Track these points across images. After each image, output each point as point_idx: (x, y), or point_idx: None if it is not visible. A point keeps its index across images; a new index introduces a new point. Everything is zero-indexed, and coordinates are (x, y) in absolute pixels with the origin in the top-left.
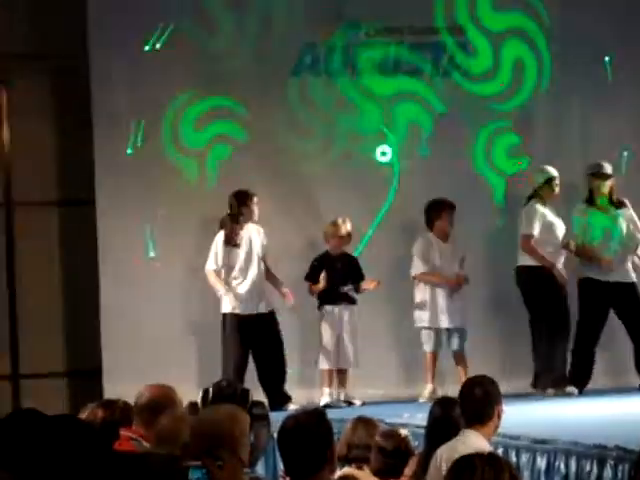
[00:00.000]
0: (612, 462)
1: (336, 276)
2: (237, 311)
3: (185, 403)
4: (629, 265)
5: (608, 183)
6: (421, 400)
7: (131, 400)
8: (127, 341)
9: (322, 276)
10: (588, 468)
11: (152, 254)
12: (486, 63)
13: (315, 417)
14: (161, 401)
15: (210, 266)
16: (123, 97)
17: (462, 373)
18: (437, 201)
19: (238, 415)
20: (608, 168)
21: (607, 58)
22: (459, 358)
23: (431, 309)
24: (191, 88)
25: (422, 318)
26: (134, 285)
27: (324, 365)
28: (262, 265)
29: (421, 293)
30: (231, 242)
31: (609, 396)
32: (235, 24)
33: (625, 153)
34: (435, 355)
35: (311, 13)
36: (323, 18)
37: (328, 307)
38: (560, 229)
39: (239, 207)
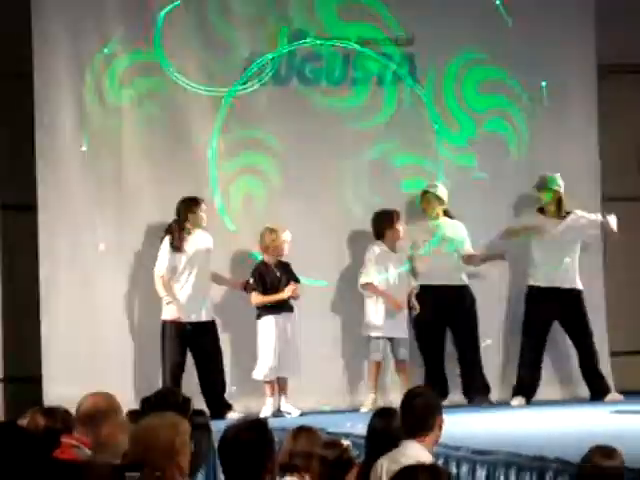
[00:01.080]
0: (552, 474)
1: (275, 284)
2: (177, 318)
3: (125, 410)
4: (575, 273)
5: (553, 195)
6: (363, 410)
7: (70, 407)
8: (67, 347)
9: (288, 287)
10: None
11: (94, 259)
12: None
13: (256, 427)
14: (102, 409)
15: (158, 271)
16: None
17: (403, 382)
18: (387, 211)
19: (179, 424)
20: (553, 180)
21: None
22: (402, 368)
23: (379, 318)
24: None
25: (371, 327)
26: (74, 290)
27: (259, 376)
28: (208, 273)
29: (371, 302)
30: (176, 248)
31: (556, 407)
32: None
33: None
34: (380, 365)
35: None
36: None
37: (268, 317)
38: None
39: (186, 213)
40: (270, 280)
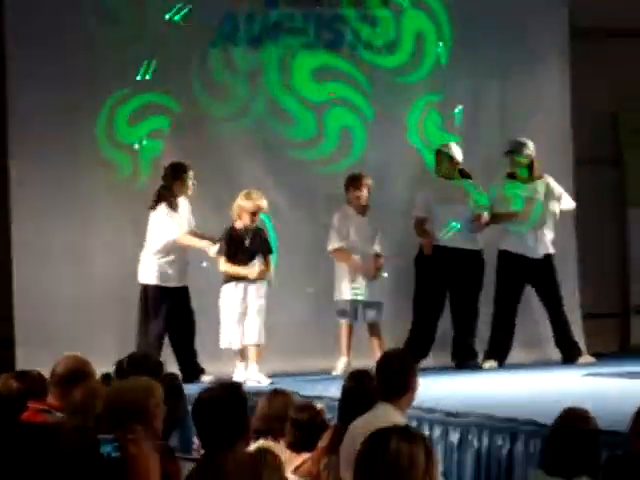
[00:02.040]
0: (524, 436)
1: (241, 254)
2: (160, 283)
3: (99, 375)
4: (547, 237)
5: (524, 160)
6: (335, 373)
7: (45, 371)
8: (40, 311)
9: (254, 269)
10: (500, 442)
11: (70, 224)
12: (389, 35)
13: (230, 390)
14: (75, 373)
15: (180, 232)
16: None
17: (376, 346)
18: (354, 175)
19: (152, 387)
20: (525, 145)
21: None
22: (374, 330)
23: (348, 282)
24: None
25: (340, 290)
26: (49, 255)
27: (224, 344)
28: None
29: (340, 266)
30: (172, 208)
31: (528, 370)
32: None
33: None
34: (351, 328)
35: None
36: None
37: (230, 284)
38: None
39: (173, 179)
40: (236, 249)
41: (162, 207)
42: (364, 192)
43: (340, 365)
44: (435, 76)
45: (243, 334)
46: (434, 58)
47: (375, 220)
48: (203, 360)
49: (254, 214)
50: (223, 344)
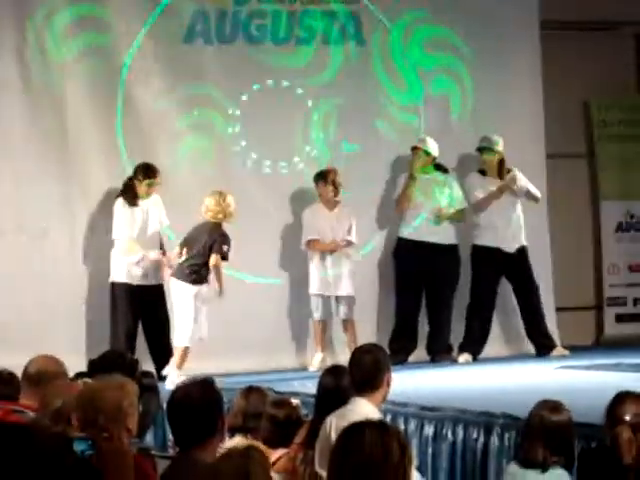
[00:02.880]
0: (499, 429)
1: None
2: (127, 280)
3: (72, 374)
4: (520, 229)
5: (495, 156)
6: (311, 369)
7: (17, 370)
8: (12, 310)
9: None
10: (475, 435)
11: (43, 224)
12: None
13: (204, 387)
14: (47, 372)
15: (121, 236)
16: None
17: (351, 341)
18: (323, 170)
19: (125, 385)
20: (496, 141)
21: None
22: (348, 326)
23: (320, 277)
24: None
25: (312, 286)
26: (20, 252)
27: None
28: (159, 237)
29: (311, 261)
30: (130, 203)
31: (503, 363)
32: None
33: None
34: (324, 323)
35: None
36: None
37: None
38: None
39: (139, 179)
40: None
41: (119, 201)
42: (333, 187)
43: (315, 361)
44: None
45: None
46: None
47: (347, 214)
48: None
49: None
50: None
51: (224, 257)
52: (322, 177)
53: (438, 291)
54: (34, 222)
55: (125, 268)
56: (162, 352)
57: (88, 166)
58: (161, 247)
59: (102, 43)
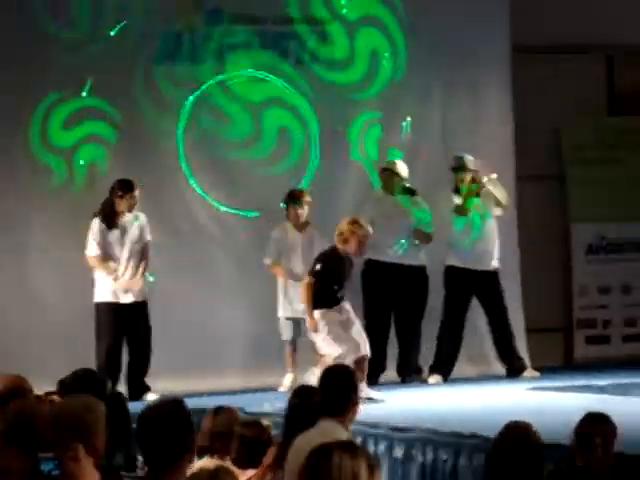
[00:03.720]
0: (468, 450)
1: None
2: (111, 300)
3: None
4: (492, 250)
5: (469, 174)
6: (281, 389)
7: None
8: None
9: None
10: (444, 456)
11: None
12: (342, 52)
13: (174, 406)
14: (12, 390)
15: (92, 252)
16: None
17: (321, 362)
18: (295, 191)
19: (92, 404)
20: (468, 160)
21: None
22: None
23: (288, 298)
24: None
25: (280, 307)
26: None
27: None
28: (139, 254)
29: (280, 282)
30: (108, 225)
31: (473, 384)
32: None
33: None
34: (294, 343)
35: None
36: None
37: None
38: None
39: (116, 195)
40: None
41: (94, 221)
42: (304, 209)
43: (286, 381)
44: (382, 93)
45: None
46: (385, 76)
47: (317, 236)
48: (158, 377)
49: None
50: None
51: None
52: (294, 198)
53: (407, 312)
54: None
55: (103, 287)
56: (136, 372)
57: None
58: (139, 263)
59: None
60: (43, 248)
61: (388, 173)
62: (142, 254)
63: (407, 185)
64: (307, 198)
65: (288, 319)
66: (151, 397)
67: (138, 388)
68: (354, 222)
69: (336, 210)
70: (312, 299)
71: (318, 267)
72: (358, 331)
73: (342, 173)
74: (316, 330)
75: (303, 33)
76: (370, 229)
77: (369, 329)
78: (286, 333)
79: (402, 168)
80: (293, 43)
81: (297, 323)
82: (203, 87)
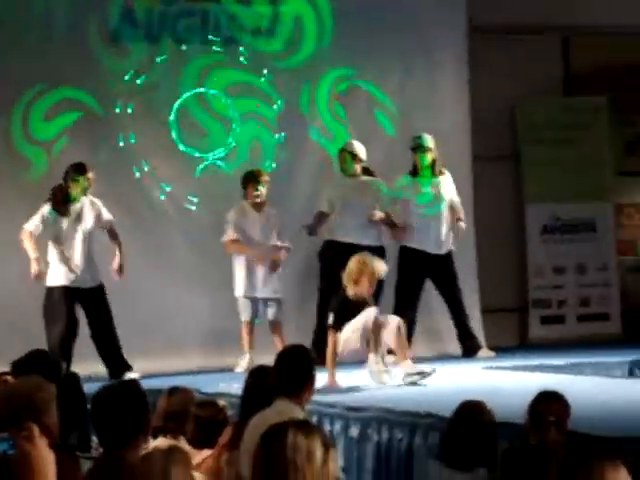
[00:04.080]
0: (423, 429)
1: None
2: (63, 283)
3: None
4: (447, 233)
5: (428, 155)
6: (238, 370)
7: None
8: None
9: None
10: (400, 435)
11: None
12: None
13: (128, 387)
14: None
15: (28, 227)
16: None
17: (278, 343)
18: (252, 171)
19: (43, 385)
20: (428, 140)
21: None
22: (275, 328)
23: (248, 278)
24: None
25: (239, 287)
26: None
27: None
28: (95, 239)
29: (238, 262)
30: (60, 212)
31: (428, 364)
32: None
33: None
34: (251, 324)
35: None
36: None
37: None
38: None
39: (71, 179)
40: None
41: (44, 206)
42: (262, 189)
43: (243, 362)
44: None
45: None
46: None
47: (275, 215)
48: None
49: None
50: None
51: None
52: (252, 178)
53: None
54: None
55: (53, 271)
56: (110, 351)
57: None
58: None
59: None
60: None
61: (345, 154)
62: (111, 235)
63: (366, 166)
64: (266, 177)
65: (247, 298)
66: (131, 375)
67: (118, 367)
68: (361, 262)
69: (297, 191)
70: (333, 355)
71: (330, 320)
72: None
73: (302, 154)
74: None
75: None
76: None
77: (324, 310)
78: (245, 313)
79: (360, 149)
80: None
81: (256, 303)
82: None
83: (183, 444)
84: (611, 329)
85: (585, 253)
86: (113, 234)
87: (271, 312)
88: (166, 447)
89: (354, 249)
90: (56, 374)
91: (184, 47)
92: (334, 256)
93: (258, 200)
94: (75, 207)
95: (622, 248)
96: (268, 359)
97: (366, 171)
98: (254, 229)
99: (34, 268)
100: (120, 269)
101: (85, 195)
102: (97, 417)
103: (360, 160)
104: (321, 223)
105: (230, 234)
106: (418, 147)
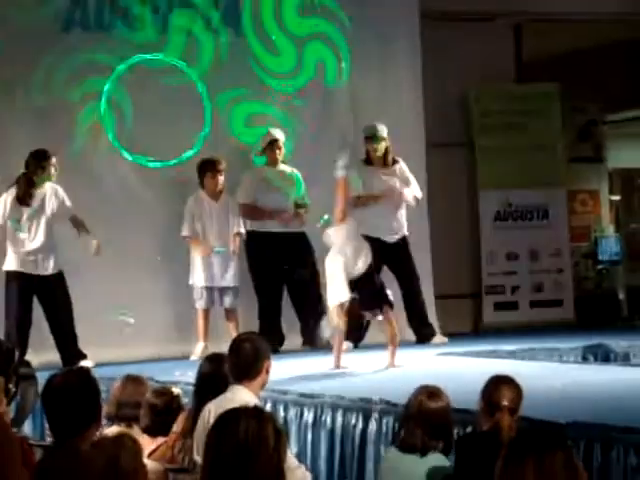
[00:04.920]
0: (377, 415)
1: None
2: (20, 269)
3: None
4: (401, 219)
5: (382, 145)
6: (193, 358)
7: None
8: None
9: None
10: (354, 421)
11: None
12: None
13: (80, 375)
14: None
15: None
16: None
17: (233, 330)
18: (207, 160)
19: None
20: (382, 130)
21: None
22: (230, 315)
23: (204, 267)
24: None
25: (195, 276)
26: None
27: None
28: (57, 226)
29: (194, 251)
30: (22, 201)
31: (383, 350)
32: None
33: None
34: (207, 312)
35: None
36: None
37: None
38: None
39: (35, 166)
40: None
41: (10, 191)
42: (219, 177)
43: (197, 350)
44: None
45: None
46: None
47: (231, 202)
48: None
49: None
50: None
51: None
52: (209, 166)
53: (298, 278)
54: None
55: (16, 257)
56: (65, 339)
57: None
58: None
59: None
60: None
61: (270, 146)
62: (75, 223)
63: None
64: (223, 165)
65: (203, 287)
66: (86, 364)
67: (72, 356)
68: None
69: None
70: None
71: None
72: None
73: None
74: None
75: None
76: None
77: (261, 300)
78: (200, 301)
79: (281, 138)
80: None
81: (211, 292)
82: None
83: (137, 432)
84: (564, 315)
85: (538, 239)
86: (77, 221)
87: (228, 300)
88: (115, 434)
89: (276, 237)
90: (9, 362)
91: None
92: (260, 246)
93: (216, 189)
94: (38, 193)
95: (575, 234)
96: (224, 347)
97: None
98: (210, 219)
99: (13, 261)
100: (95, 247)
101: (50, 181)
102: (49, 405)
103: (280, 148)
104: (250, 214)
105: (185, 229)
106: (372, 137)
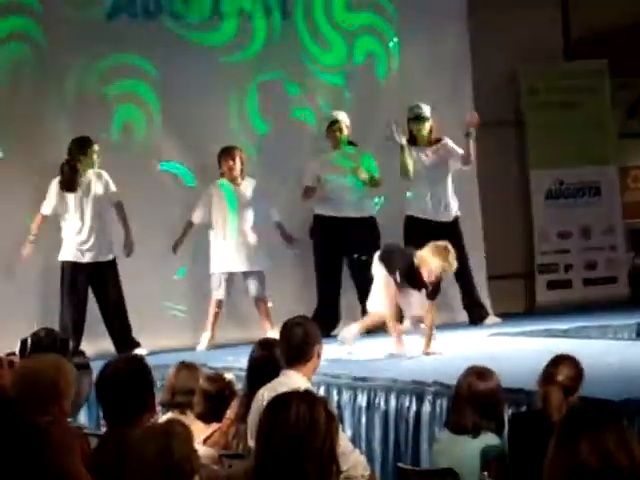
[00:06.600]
0: (430, 397)
1: None
2: (73, 259)
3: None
4: (451, 199)
5: (427, 125)
6: (199, 348)
7: None
8: None
9: None
10: (407, 404)
11: None
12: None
13: (133, 363)
14: None
15: (43, 210)
16: None
17: (265, 318)
18: (226, 147)
19: (62, 365)
20: (426, 110)
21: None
22: (258, 304)
23: (222, 253)
24: None
25: (212, 263)
26: None
27: None
28: (105, 212)
29: (213, 237)
30: (68, 189)
31: (436, 332)
32: None
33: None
34: (220, 303)
35: None
36: None
37: None
38: None
39: (78, 153)
40: None
41: (54, 181)
42: (236, 163)
43: (203, 340)
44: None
45: None
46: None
47: (252, 186)
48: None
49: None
50: None
51: None
52: (225, 153)
53: (360, 264)
54: None
55: (66, 246)
56: (119, 328)
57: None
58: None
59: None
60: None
61: (331, 127)
62: (119, 212)
63: (349, 138)
64: (239, 152)
65: (220, 275)
66: (139, 352)
67: (126, 344)
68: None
69: (286, 171)
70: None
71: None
72: None
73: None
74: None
75: None
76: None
77: (321, 282)
78: (217, 291)
79: (345, 121)
80: None
81: (231, 279)
82: None
83: (191, 419)
84: (618, 292)
85: (590, 217)
86: (121, 212)
87: (251, 288)
88: (165, 422)
89: (342, 222)
90: (64, 352)
91: None
92: (324, 231)
93: (233, 175)
94: (83, 181)
95: (628, 211)
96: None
97: (350, 143)
98: (230, 206)
99: (25, 249)
100: (128, 247)
101: (93, 168)
102: (102, 393)
103: (345, 132)
104: (309, 198)
105: (198, 216)
106: (416, 117)
